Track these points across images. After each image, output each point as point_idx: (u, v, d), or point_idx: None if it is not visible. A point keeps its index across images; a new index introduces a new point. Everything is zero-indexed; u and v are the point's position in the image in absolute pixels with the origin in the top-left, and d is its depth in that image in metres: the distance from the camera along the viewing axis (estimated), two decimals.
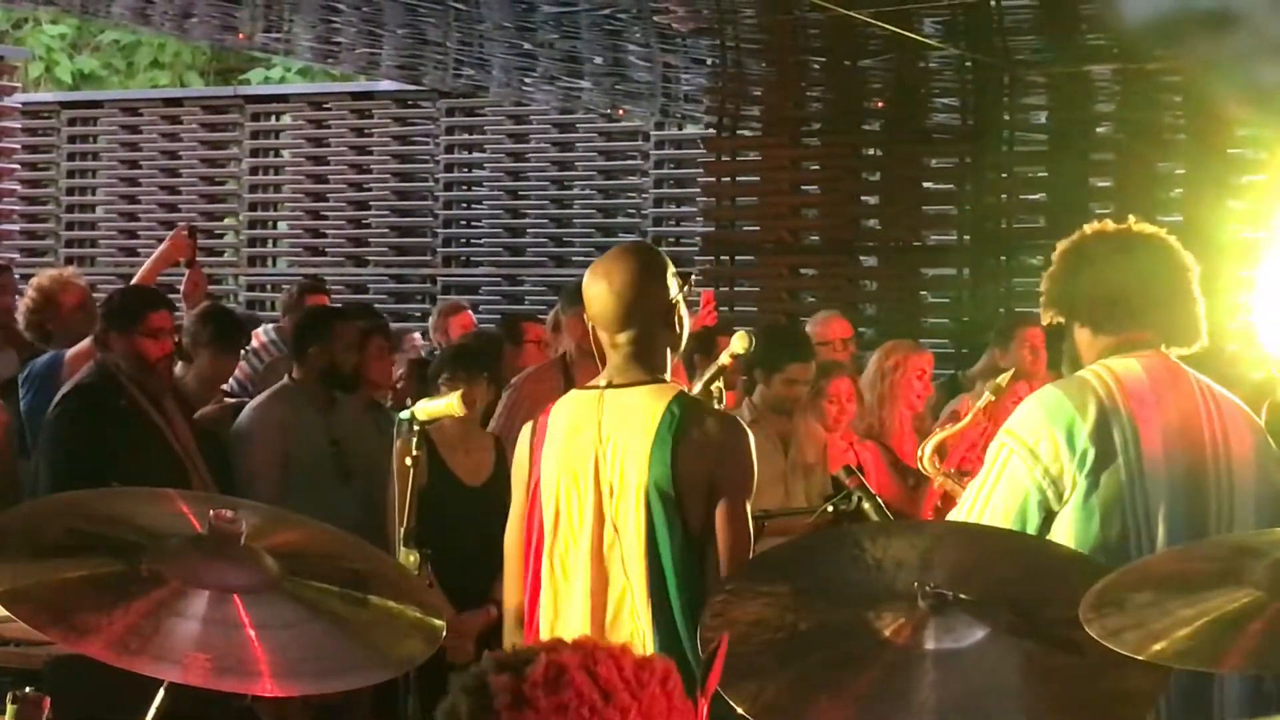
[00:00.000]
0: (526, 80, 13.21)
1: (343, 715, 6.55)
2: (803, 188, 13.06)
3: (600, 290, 4.50)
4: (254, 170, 16.31)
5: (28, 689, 3.37)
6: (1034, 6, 9.53)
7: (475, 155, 15.62)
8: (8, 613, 3.01)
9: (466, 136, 15.60)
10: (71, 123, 16.91)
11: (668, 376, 4.52)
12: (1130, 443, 4.13)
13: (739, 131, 13.33)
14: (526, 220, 15.31)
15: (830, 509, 5.69)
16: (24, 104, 16.68)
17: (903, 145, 12.60)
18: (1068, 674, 3.20)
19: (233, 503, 3.32)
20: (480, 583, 6.91)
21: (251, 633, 2.97)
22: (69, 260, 16.10)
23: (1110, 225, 4.44)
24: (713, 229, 13.36)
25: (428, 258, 15.55)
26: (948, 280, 12.61)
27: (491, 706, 2.25)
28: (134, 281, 8.55)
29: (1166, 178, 11.67)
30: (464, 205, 15.67)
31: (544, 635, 4.42)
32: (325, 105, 16.10)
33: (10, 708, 3.27)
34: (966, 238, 12.33)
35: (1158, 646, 3.00)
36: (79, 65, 23.55)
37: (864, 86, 12.24)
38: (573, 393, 4.61)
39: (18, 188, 16.20)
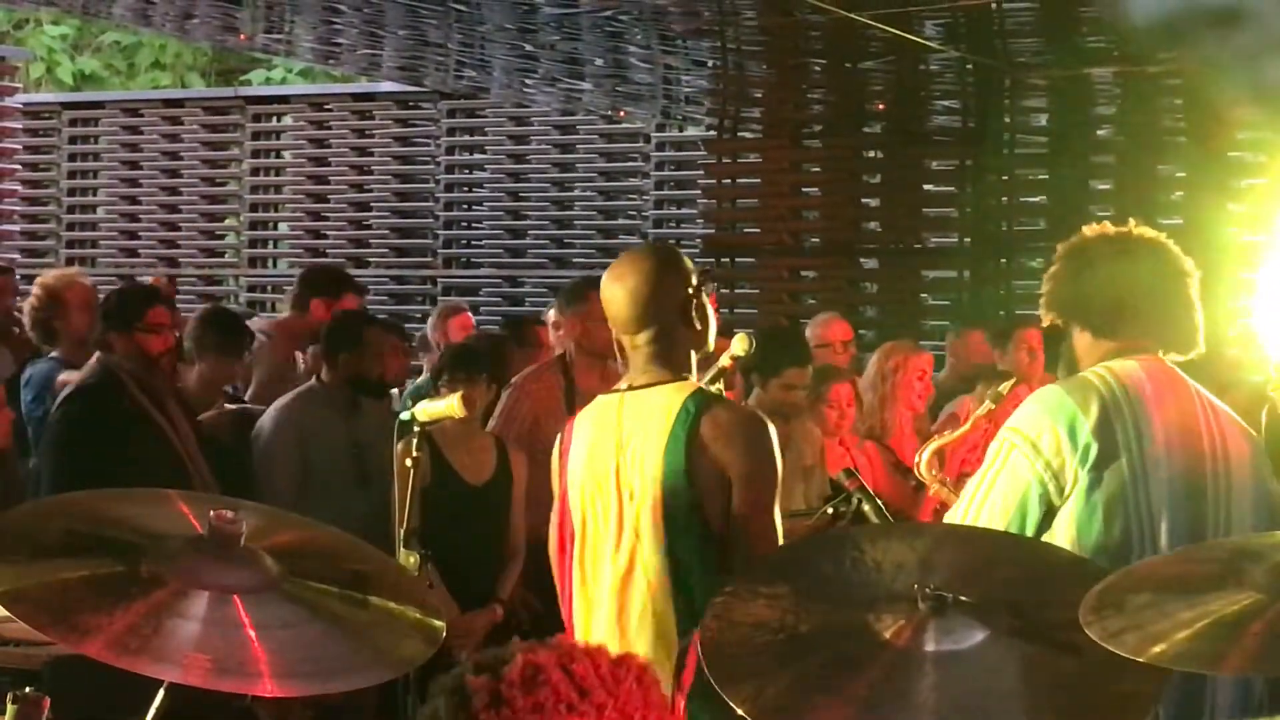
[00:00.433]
0: (527, 82, 13.22)
1: (344, 716, 6.55)
2: (803, 190, 13.07)
3: (616, 292, 4.51)
4: (255, 171, 16.32)
5: (28, 689, 3.37)
6: (1034, 9, 9.54)
7: (476, 157, 15.63)
8: (8, 613, 3.01)
9: (467, 138, 15.61)
10: (73, 123, 16.92)
11: (692, 375, 4.50)
12: (1133, 441, 4.15)
13: (739, 134, 13.34)
14: (527, 222, 15.32)
15: (830, 511, 5.69)
16: (25, 104, 16.70)
17: (903, 148, 12.62)
18: (1067, 676, 3.20)
19: (233, 503, 3.31)
20: (484, 581, 6.92)
21: (251, 633, 2.97)
22: (70, 261, 16.11)
23: (1112, 228, 4.45)
24: (713, 231, 13.38)
25: (428, 259, 15.56)
26: (948, 282, 12.63)
27: (470, 707, 2.26)
28: None
29: (1167, 181, 11.68)
30: (464, 207, 15.67)
31: (577, 632, 4.44)
32: (326, 106, 16.11)
33: (10, 708, 3.27)
34: (967, 240, 12.35)
35: (1157, 649, 3.01)
36: (80, 66, 23.56)
37: (865, 89, 12.26)
38: (598, 398, 4.61)
39: (19, 188, 16.21)
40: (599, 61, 11.83)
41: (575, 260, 14.88)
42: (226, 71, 23.57)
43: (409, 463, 4.61)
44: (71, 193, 16.94)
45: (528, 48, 11.24)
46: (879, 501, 5.58)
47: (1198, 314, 4.36)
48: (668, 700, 2.38)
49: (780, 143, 12.95)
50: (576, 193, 15.23)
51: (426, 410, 4.68)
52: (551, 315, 9.52)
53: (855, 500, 5.59)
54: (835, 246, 12.78)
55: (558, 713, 2.25)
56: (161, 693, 3.13)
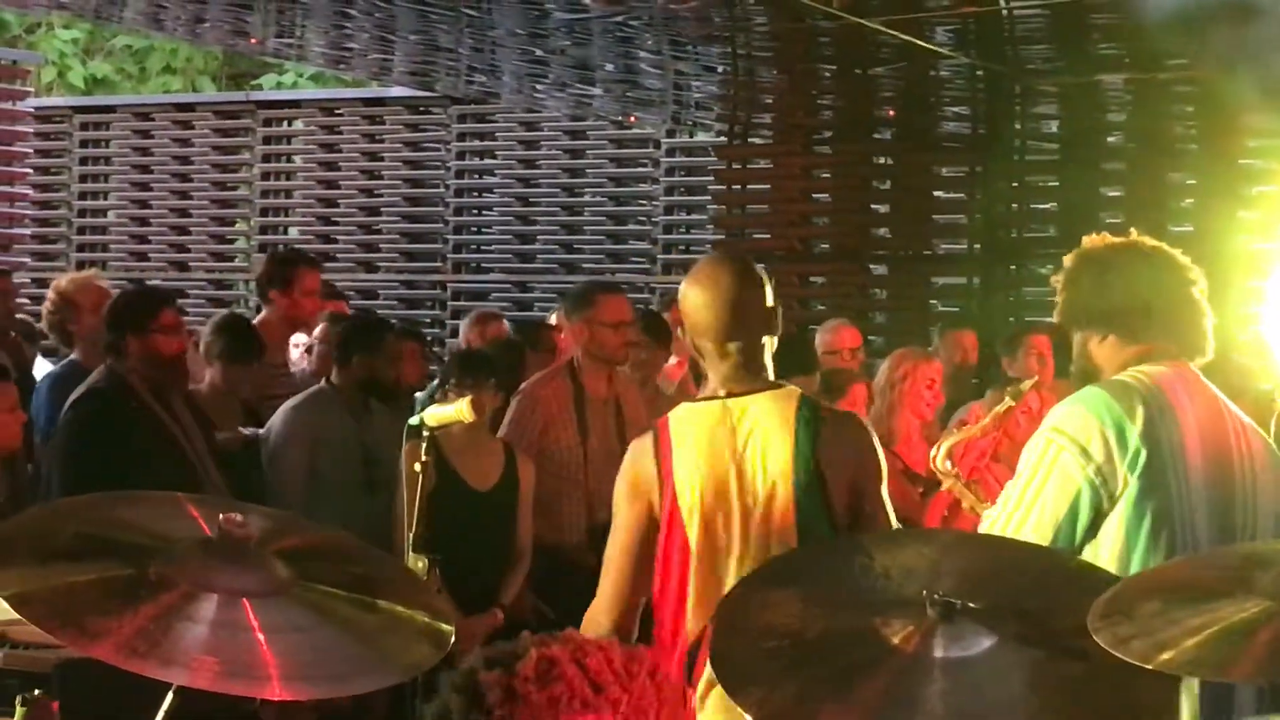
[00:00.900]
0: (538, 87, 13.22)
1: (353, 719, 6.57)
2: (813, 196, 13.06)
3: (708, 299, 4.51)
4: (265, 175, 16.33)
5: (37, 692, 3.38)
6: (1045, 16, 9.53)
7: (486, 161, 15.63)
8: (17, 615, 3.01)
9: (478, 143, 15.61)
10: (84, 127, 16.93)
11: (783, 381, 4.57)
12: (1176, 447, 4.18)
13: (750, 139, 13.34)
14: (537, 227, 15.31)
15: None
16: (36, 108, 16.70)
17: (913, 154, 12.61)
18: (1076, 683, 3.20)
19: (242, 507, 3.32)
20: (486, 586, 6.93)
21: (260, 636, 2.97)
22: (80, 265, 16.11)
23: (1118, 237, 4.47)
24: (723, 236, 13.37)
25: (438, 264, 15.56)
26: (957, 289, 12.61)
27: (483, 704, 2.25)
28: None
29: (1177, 188, 11.67)
30: (475, 211, 15.67)
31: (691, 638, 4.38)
32: (337, 111, 16.12)
33: (20, 710, 3.28)
34: (976, 247, 12.33)
35: (1166, 656, 3.01)
36: (91, 70, 23.58)
37: (875, 95, 12.25)
38: (687, 405, 4.60)
39: (30, 192, 16.21)
40: (609, 67, 11.83)
41: (585, 265, 14.88)
42: (237, 76, 23.59)
43: (417, 467, 4.61)
44: (82, 196, 16.95)
45: (538, 53, 11.24)
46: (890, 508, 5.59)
47: (1208, 319, 4.38)
48: (681, 695, 2.38)
49: (790, 148, 12.95)
50: (586, 198, 15.22)
51: (435, 415, 4.68)
52: (552, 319, 9.53)
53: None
54: (845, 252, 12.78)
55: (572, 708, 2.24)
56: (170, 695, 3.14)
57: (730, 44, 10.64)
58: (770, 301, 4.57)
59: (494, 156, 15.56)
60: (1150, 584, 3.44)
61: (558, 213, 15.23)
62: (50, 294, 8.53)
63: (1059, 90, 11.51)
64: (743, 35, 10.36)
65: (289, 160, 16.52)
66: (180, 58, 23.48)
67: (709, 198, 13.96)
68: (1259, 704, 4.13)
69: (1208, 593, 3.16)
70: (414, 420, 4.72)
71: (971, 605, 3.22)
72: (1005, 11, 9.42)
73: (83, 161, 16.92)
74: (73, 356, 8.07)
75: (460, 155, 15.53)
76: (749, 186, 13.37)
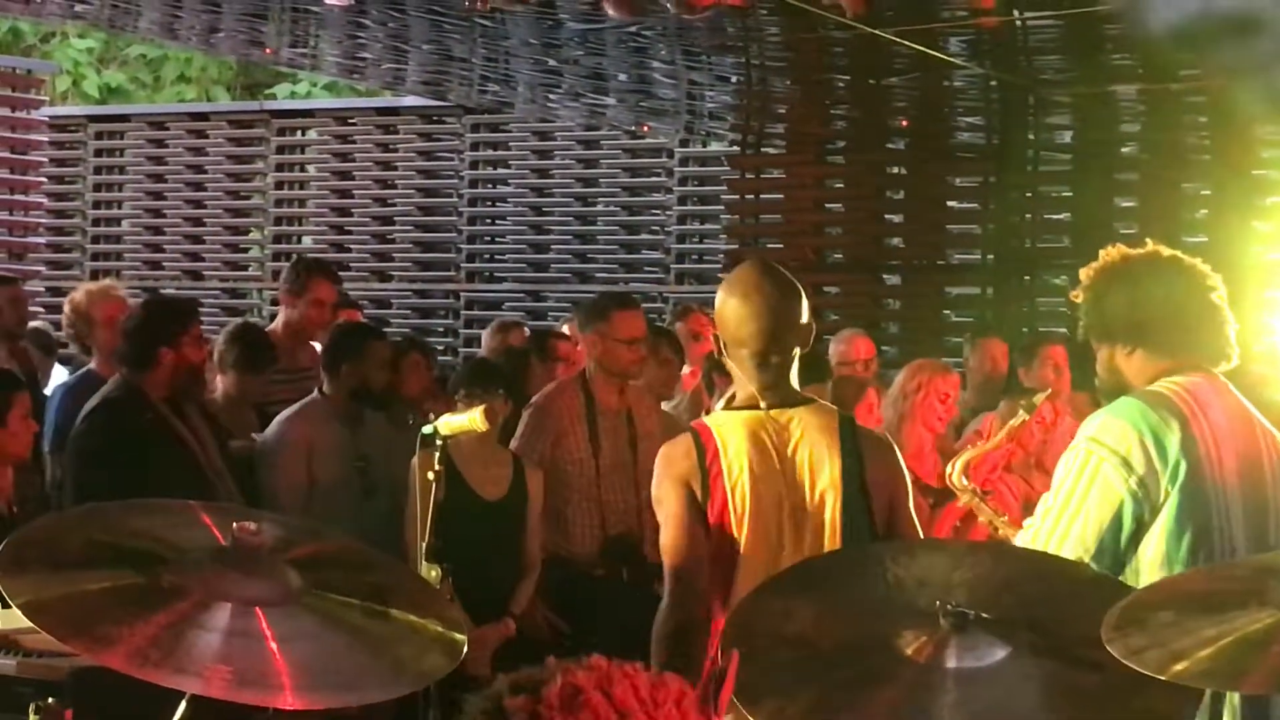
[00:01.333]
0: (551, 97, 13.23)
1: None
2: (827, 206, 13.07)
3: (752, 311, 4.51)
4: (279, 185, 16.35)
5: (50, 700, 3.38)
6: (1059, 26, 9.52)
7: (500, 171, 15.64)
8: (31, 624, 3.02)
9: (491, 153, 15.62)
10: (98, 136, 16.97)
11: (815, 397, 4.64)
12: (1213, 457, 4.18)
13: (763, 149, 13.34)
14: (550, 237, 15.32)
15: None
16: (51, 117, 16.72)
17: (927, 164, 12.61)
18: (1089, 694, 3.19)
19: (255, 516, 3.32)
20: (497, 596, 6.93)
21: (273, 645, 2.97)
22: (94, 274, 16.15)
23: (1136, 249, 4.47)
24: (736, 246, 13.36)
25: (451, 273, 15.57)
26: (971, 299, 12.61)
27: None
28: None
29: (1191, 198, 11.66)
30: (488, 221, 15.68)
31: None
32: (350, 120, 16.14)
33: (33, 718, 3.28)
34: (990, 257, 12.33)
35: (1180, 666, 3.00)
36: (106, 79, 23.63)
37: (889, 105, 12.24)
38: (726, 413, 4.60)
39: (44, 201, 16.24)
40: (623, 77, 11.84)
41: (598, 275, 14.88)
42: (252, 85, 23.64)
43: (430, 476, 4.60)
44: (96, 205, 16.99)
45: (552, 63, 11.25)
46: None
47: (1231, 325, 4.39)
48: None
49: (804, 159, 12.95)
50: (600, 208, 15.23)
51: (449, 424, 4.68)
52: (564, 328, 9.51)
53: None
54: (858, 263, 12.78)
55: None
56: (183, 704, 3.14)
57: (744, 54, 10.64)
58: (806, 317, 4.58)
59: (508, 166, 15.57)
60: (1164, 594, 3.43)
61: (571, 222, 15.23)
62: (65, 308, 8.58)
63: (1073, 101, 11.51)
64: (756, 45, 10.36)
65: (303, 170, 16.54)
66: (195, 67, 23.52)
67: (722, 207, 13.96)
68: None
69: (1222, 603, 3.15)
70: (427, 429, 4.71)
71: (984, 616, 3.21)
72: (1019, 22, 9.41)
73: (97, 170, 16.95)
74: (89, 366, 8.09)
75: (474, 165, 15.54)
76: (762, 196, 13.38)
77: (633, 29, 9.68)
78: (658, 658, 4.35)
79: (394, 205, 15.84)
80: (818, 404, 4.59)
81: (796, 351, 4.56)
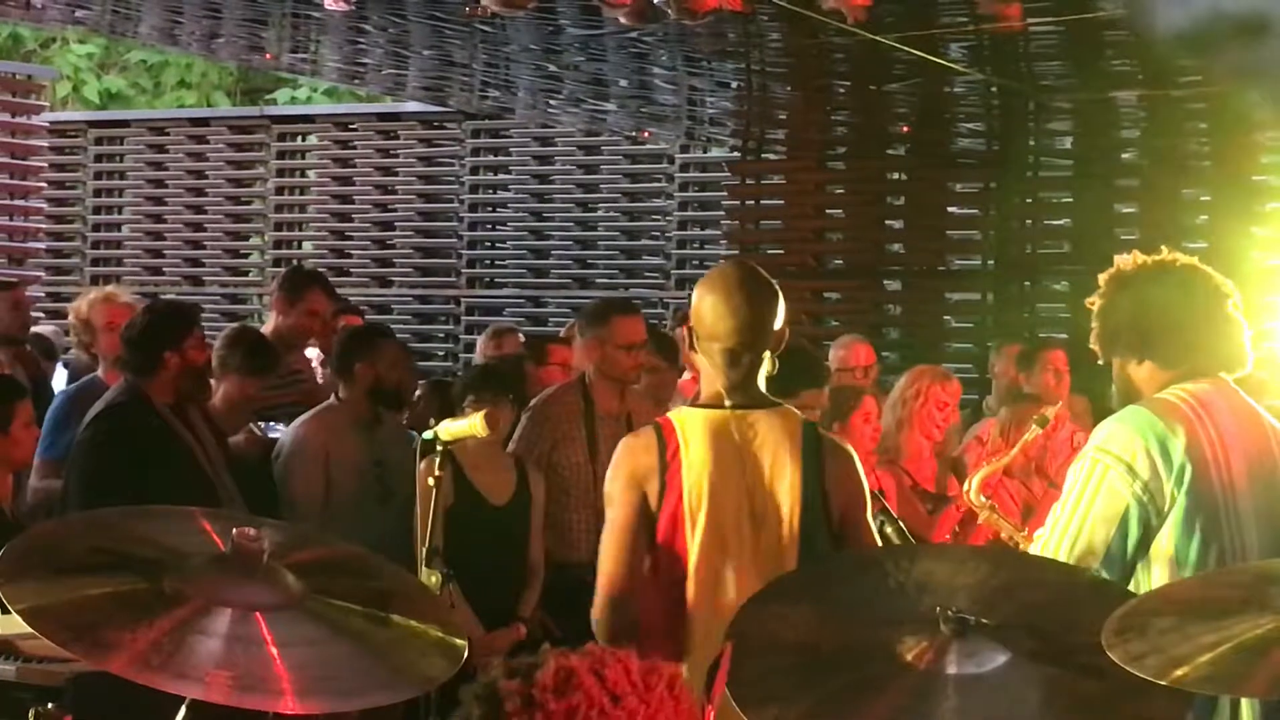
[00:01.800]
0: (552, 102, 13.24)
1: None
2: (827, 212, 13.07)
3: (730, 308, 4.52)
4: (279, 190, 16.36)
5: (50, 705, 3.38)
6: (1059, 32, 9.53)
7: (500, 177, 15.65)
8: (31, 629, 3.02)
9: (492, 158, 15.63)
10: (98, 142, 16.97)
11: (779, 400, 4.61)
12: (1221, 462, 4.20)
13: (764, 155, 13.36)
14: (551, 242, 15.32)
15: None
16: (51, 123, 16.75)
17: (927, 170, 12.61)
18: (1089, 700, 3.19)
19: (255, 521, 3.32)
20: (505, 601, 6.93)
21: (273, 651, 2.98)
22: (95, 279, 16.15)
23: (1147, 257, 4.48)
24: (736, 252, 13.35)
25: (452, 279, 15.57)
26: (972, 305, 12.62)
27: (502, 711, 2.26)
28: None
29: (1191, 204, 11.67)
30: (489, 227, 15.68)
31: (693, 650, 4.36)
32: (351, 126, 16.14)
33: None
34: (991, 263, 12.34)
35: (1179, 672, 3.00)
36: (106, 85, 23.64)
37: (889, 111, 12.25)
38: (690, 410, 4.61)
39: (44, 206, 16.26)
40: (623, 82, 11.84)
41: (598, 281, 14.89)
42: (252, 91, 23.64)
43: (431, 481, 4.61)
44: (97, 211, 16.99)
45: (552, 68, 11.25)
46: (902, 524, 5.59)
47: (1245, 332, 4.40)
48: (696, 709, 2.38)
49: (804, 164, 12.96)
50: (600, 213, 15.23)
51: (449, 429, 4.68)
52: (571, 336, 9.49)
53: (879, 522, 5.59)
54: (859, 269, 12.78)
55: (589, 718, 2.25)
56: (184, 709, 3.14)
57: (745, 59, 10.65)
58: (781, 322, 4.59)
59: (508, 172, 15.58)
60: (1164, 601, 3.43)
61: (572, 228, 15.24)
62: (70, 316, 8.64)
63: (1073, 106, 11.51)
64: (757, 51, 10.36)
65: (303, 175, 16.55)
66: (195, 73, 23.54)
67: (723, 213, 13.96)
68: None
69: (1222, 609, 3.16)
70: (428, 434, 4.72)
71: (985, 621, 3.22)
72: (1020, 29, 9.41)
73: (97, 176, 16.95)
74: (95, 374, 8.10)
75: (474, 170, 15.55)
76: (763, 202, 13.39)
77: (633, 34, 9.68)
78: None
79: (394, 211, 15.84)
80: (783, 408, 4.57)
81: (766, 356, 4.56)
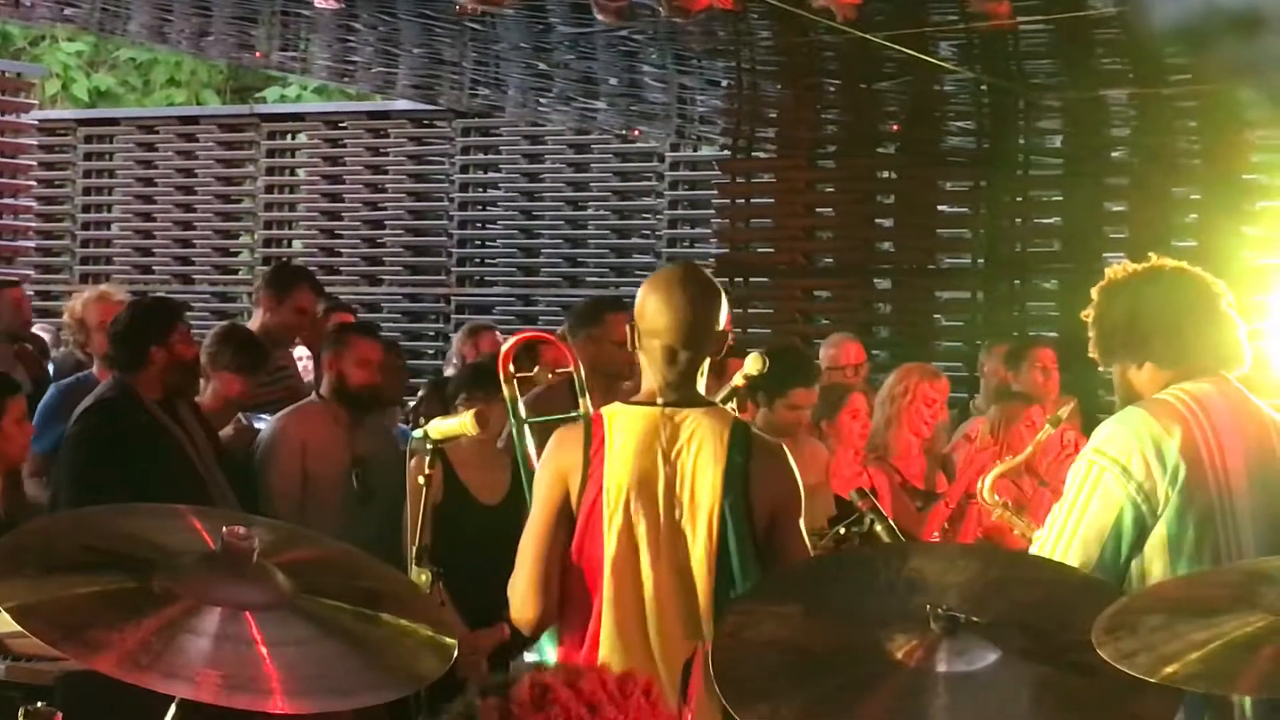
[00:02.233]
0: (542, 100, 13.23)
1: None
2: (817, 210, 13.08)
3: (670, 304, 4.52)
4: (269, 188, 16.33)
5: (39, 704, 3.38)
6: (1049, 31, 9.53)
7: (490, 175, 15.64)
8: (20, 628, 3.01)
9: (482, 156, 15.61)
10: (88, 140, 16.95)
11: (716, 400, 4.63)
12: (1217, 462, 4.23)
13: (754, 153, 13.35)
14: (541, 240, 15.32)
15: (842, 531, 5.71)
16: (40, 121, 16.73)
17: (917, 168, 12.62)
18: (1080, 697, 3.20)
19: (245, 520, 3.32)
20: (495, 601, 6.90)
21: (263, 650, 2.97)
22: (84, 277, 16.15)
23: (1137, 265, 4.53)
24: (727, 250, 13.37)
25: (442, 277, 15.56)
26: (962, 304, 12.63)
27: None
28: None
29: (1181, 203, 11.67)
30: (479, 225, 15.68)
31: (606, 647, 4.39)
32: (341, 124, 16.12)
33: None
34: (981, 261, 12.35)
35: (1170, 669, 3.01)
36: (95, 83, 23.61)
37: (879, 109, 12.25)
38: (622, 406, 4.62)
39: (34, 204, 16.24)
40: (613, 81, 11.84)
41: (589, 279, 14.88)
42: (242, 89, 23.62)
43: (421, 480, 4.61)
44: (86, 209, 16.96)
45: (542, 67, 11.24)
46: (891, 522, 5.59)
47: (1240, 330, 4.43)
48: (674, 714, 2.38)
49: (794, 163, 12.96)
50: (590, 211, 15.23)
51: (440, 428, 4.68)
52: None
53: (868, 520, 5.60)
54: (849, 267, 12.79)
55: None
56: (173, 709, 3.13)
57: (735, 58, 10.65)
58: (722, 324, 4.59)
59: (498, 170, 15.57)
60: (1154, 599, 3.44)
61: (562, 226, 15.23)
62: (64, 316, 8.67)
63: (1063, 105, 11.52)
64: (747, 49, 10.36)
65: (293, 173, 16.53)
66: (184, 71, 23.51)
67: (713, 212, 13.96)
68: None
69: (1211, 608, 3.16)
70: (418, 433, 4.72)
71: (975, 620, 3.22)
72: (1010, 26, 9.41)
73: (87, 174, 16.92)
74: (90, 371, 8.10)
75: (464, 169, 15.54)
76: (753, 201, 13.39)
77: (623, 33, 9.68)
78: None
79: (384, 209, 15.82)
80: (716, 408, 4.59)
81: (708, 360, 4.58)
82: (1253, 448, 4.28)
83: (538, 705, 2.26)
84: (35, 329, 11.25)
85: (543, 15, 9.39)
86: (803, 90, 11.81)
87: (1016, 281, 12.24)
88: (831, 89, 11.88)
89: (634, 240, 15.07)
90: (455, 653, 3.20)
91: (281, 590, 3.13)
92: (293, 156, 16.56)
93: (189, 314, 8.22)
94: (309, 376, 8.66)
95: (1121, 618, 3.19)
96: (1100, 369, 4.60)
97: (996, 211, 12.20)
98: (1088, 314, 4.55)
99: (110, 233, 16.97)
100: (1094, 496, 4.24)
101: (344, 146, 16.01)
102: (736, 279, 13.02)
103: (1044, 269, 12.06)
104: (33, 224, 16.26)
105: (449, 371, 10.06)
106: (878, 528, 5.56)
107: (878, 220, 12.95)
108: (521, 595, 4.55)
